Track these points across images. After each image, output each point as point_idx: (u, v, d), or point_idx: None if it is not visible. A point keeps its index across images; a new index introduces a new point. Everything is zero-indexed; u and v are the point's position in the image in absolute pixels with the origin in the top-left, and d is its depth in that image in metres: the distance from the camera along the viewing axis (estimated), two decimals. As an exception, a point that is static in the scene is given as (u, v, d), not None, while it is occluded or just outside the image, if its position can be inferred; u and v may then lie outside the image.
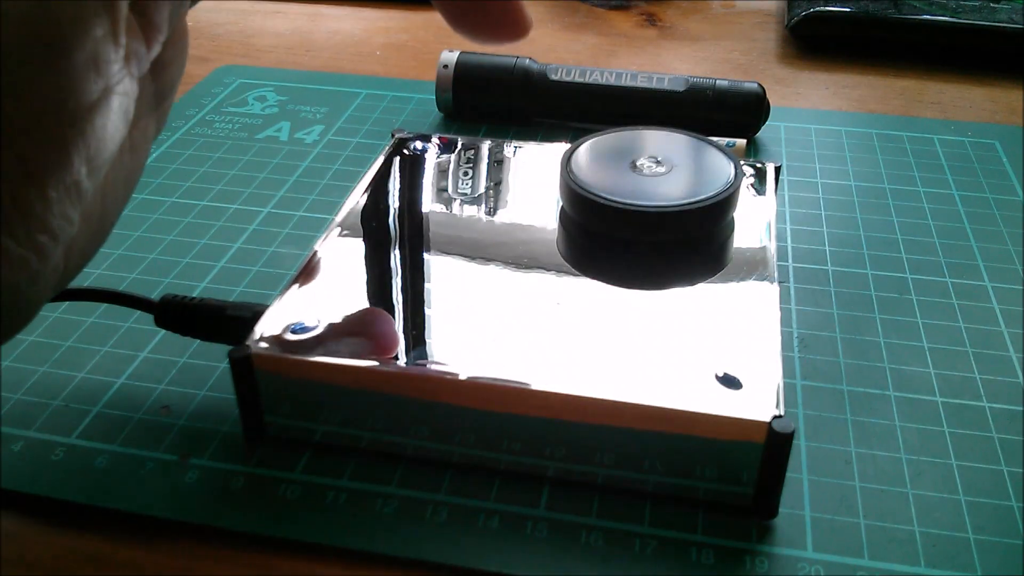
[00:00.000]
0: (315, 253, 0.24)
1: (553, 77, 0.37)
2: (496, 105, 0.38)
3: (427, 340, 0.21)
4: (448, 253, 0.25)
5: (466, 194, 0.27)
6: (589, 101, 0.37)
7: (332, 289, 0.23)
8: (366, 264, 0.24)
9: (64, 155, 0.16)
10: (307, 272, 0.23)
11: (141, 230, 0.31)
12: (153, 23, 0.18)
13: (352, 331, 0.22)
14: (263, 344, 0.21)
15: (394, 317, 0.22)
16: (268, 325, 0.21)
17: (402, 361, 0.21)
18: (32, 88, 0.15)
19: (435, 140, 0.30)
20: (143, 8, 0.18)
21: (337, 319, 0.22)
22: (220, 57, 0.46)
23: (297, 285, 0.23)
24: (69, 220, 0.16)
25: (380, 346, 0.22)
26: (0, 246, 0.15)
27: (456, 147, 0.30)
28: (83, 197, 0.17)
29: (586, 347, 0.21)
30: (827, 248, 0.30)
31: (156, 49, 0.18)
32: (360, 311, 0.23)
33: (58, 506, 0.21)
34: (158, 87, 0.20)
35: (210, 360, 0.25)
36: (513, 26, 0.20)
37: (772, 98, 0.38)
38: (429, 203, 0.27)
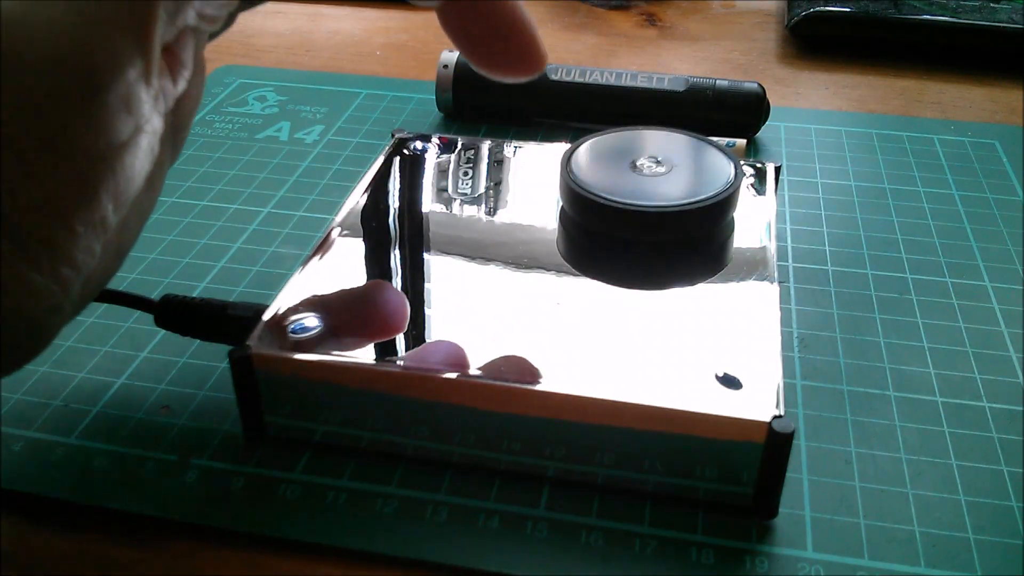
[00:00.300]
0: (315, 253, 0.24)
1: (553, 77, 0.37)
2: (496, 105, 0.38)
3: (427, 340, 0.21)
4: (448, 253, 0.25)
5: (466, 194, 0.27)
6: (589, 101, 0.37)
7: (332, 289, 0.23)
8: (366, 264, 0.24)
9: (93, 193, 0.16)
10: (307, 272, 0.23)
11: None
12: (179, 60, 0.18)
13: (357, 311, 0.22)
14: (263, 344, 0.21)
15: (408, 309, 0.22)
16: (268, 325, 0.21)
17: (402, 360, 0.21)
18: (65, 128, 0.16)
19: (435, 140, 0.30)
20: (170, 46, 0.18)
21: (348, 308, 0.22)
22: (220, 57, 0.46)
23: (297, 285, 0.23)
24: (93, 253, 0.17)
25: (388, 320, 0.22)
26: (25, 278, 0.16)
27: (456, 147, 0.30)
28: (107, 231, 0.17)
29: (586, 347, 0.21)
30: (827, 248, 0.30)
31: (182, 86, 0.18)
32: (365, 284, 0.23)
33: (58, 506, 0.21)
34: (176, 120, 0.20)
35: (210, 360, 0.25)
36: (531, 62, 0.21)
37: (772, 98, 0.38)
38: (429, 203, 0.27)
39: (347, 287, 0.23)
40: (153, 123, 0.17)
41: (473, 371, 0.20)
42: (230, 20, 0.21)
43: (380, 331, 0.22)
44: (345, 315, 0.22)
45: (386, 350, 0.21)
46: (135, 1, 0.16)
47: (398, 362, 0.21)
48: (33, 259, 0.16)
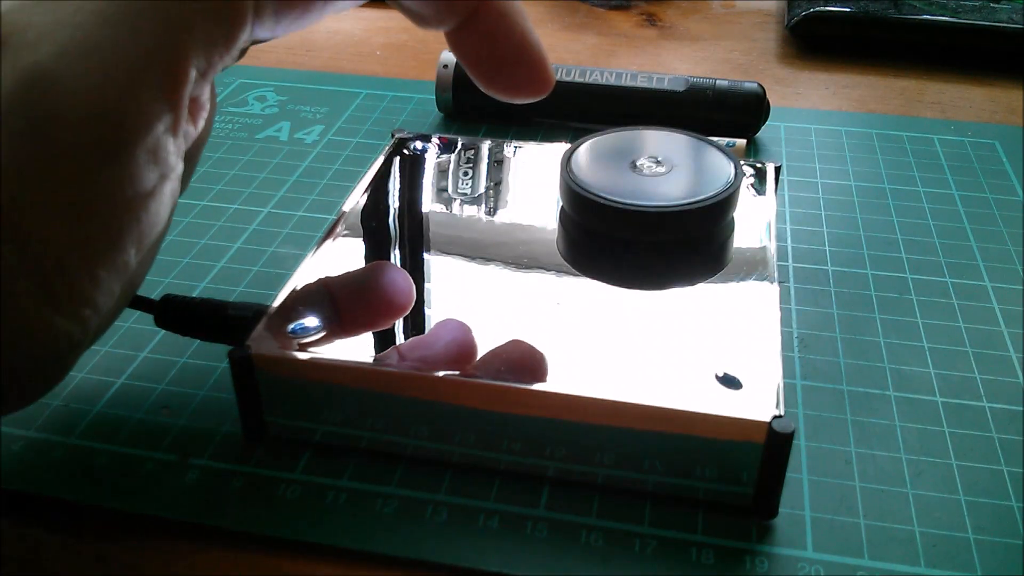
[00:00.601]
0: (315, 253, 0.24)
1: (553, 77, 0.37)
2: (496, 105, 0.38)
3: (427, 340, 0.21)
4: (448, 253, 0.25)
5: (466, 194, 0.27)
6: (589, 101, 0.37)
7: (337, 273, 0.23)
8: (366, 264, 0.24)
9: (118, 240, 0.17)
10: (307, 272, 0.23)
11: (141, 230, 0.31)
12: (200, 102, 0.19)
13: (363, 291, 0.23)
14: (263, 344, 0.21)
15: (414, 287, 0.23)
16: (268, 325, 0.21)
17: (408, 345, 0.21)
18: (95, 180, 0.16)
19: (435, 140, 0.30)
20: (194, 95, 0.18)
21: (351, 292, 0.22)
22: (220, 57, 0.46)
23: (297, 285, 0.23)
24: (112, 295, 0.17)
25: (394, 299, 0.22)
26: (49, 322, 0.16)
27: (456, 147, 0.30)
28: (128, 273, 0.17)
29: (586, 347, 0.21)
30: (827, 248, 0.30)
31: (201, 125, 0.19)
32: (369, 265, 0.23)
33: (58, 506, 0.21)
34: (189, 153, 0.20)
35: (210, 360, 0.25)
36: (539, 84, 0.21)
37: (772, 98, 0.38)
38: (429, 203, 0.27)
39: (351, 269, 0.23)
40: (177, 169, 0.18)
41: (479, 356, 0.21)
42: (241, 53, 0.22)
43: (387, 310, 0.22)
44: (351, 296, 0.22)
45: (390, 338, 0.21)
46: (167, 62, 0.16)
47: (403, 349, 0.21)
48: (57, 303, 0.16)
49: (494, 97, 0.22)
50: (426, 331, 0.22)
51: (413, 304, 0.22)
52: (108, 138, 0.16)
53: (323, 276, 0.23)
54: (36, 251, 0.16)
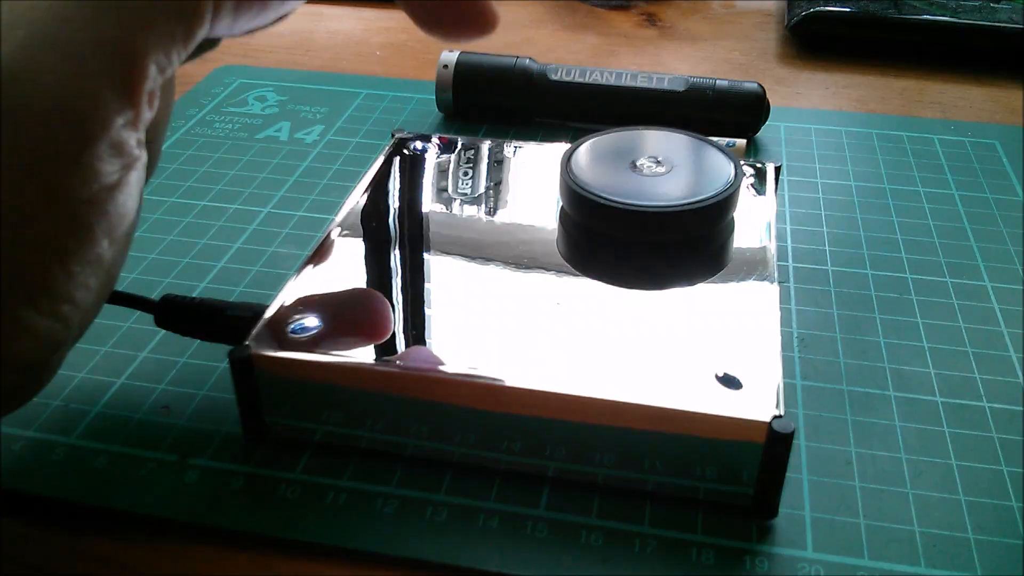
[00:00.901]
0: (315, 253, 0.24)
1: (553, 77, 0.37)
2: (496, 105, 0.38)
3: (427, 340, 0.21)
4: (448, 253, 0.25)
5: (466, 194, 0.27)
6: (589, 101, 0.37)
7: (332, 289, 0.23)
8: (366, 264, 0.24)
9: (88, 233, 0.17)
10: (307, 272, 0.23)
11: (141, 230, 0.31)
12: (154, 91, 0.18)
13: (346, 317, 0.22)
14: (263, 344, 0.21)
15: (394, 317, 0.22)
16: (268, 325, 0.21)
17: (401, 360, 0.21)
18: (59, 176, 0.16)
19: (435, 140, 0.30)
20: None
21: (335, 313, 0.22)
22: (220, 57, 0.46)
23: (297, 285, 0.23)
24: (90, 289, 0.17)
25: (373, 326, 0.22)
26: (27, 322, 0.16)
27: (456, 147, 0.30)
28: (103, 265, 0.17)
29: (586, 347, 0.21)
30: (827, 248, 0.30)
31: (156, 106, 0.19)
32: (352, 291, 0.23)
33: (58, 506, 0.21)
34: (151, 135, 0.20)
35: (210, 360, 0.25)
36: (479, 22, 0.20)
37: (772, 98, 0.38)
38: (429, 203, 0.27)
39: (333, 291, 0.23)
40: (142, 159, 0.18)
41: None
42: (214, 44, 0.21)
43: (363, 337, 0.22)
44: (331, 318, 0.22)
45: (369, 350, 0.21)
46: (126, 59, 0.17)
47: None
48: (34, 303, 0.16)
49: (438, 39, 0.21)
50: (424, 339, 0.22)
51: (389, 335, 0.22)
52: (68, 135, 0.16)
53: (303, 296, 0.22)
54: (9, 248, 0.16)
